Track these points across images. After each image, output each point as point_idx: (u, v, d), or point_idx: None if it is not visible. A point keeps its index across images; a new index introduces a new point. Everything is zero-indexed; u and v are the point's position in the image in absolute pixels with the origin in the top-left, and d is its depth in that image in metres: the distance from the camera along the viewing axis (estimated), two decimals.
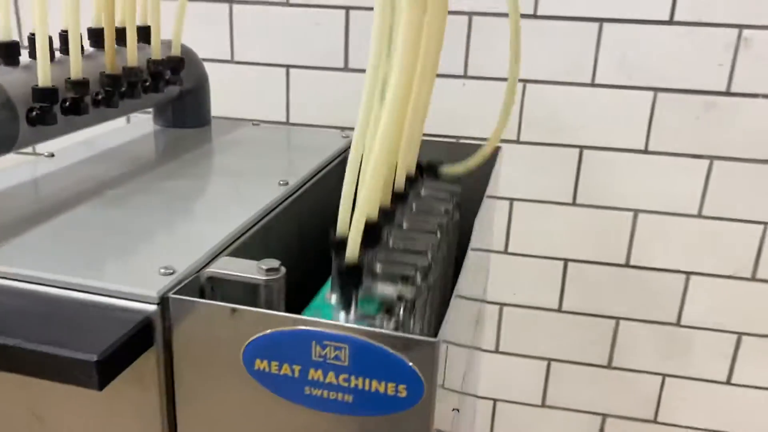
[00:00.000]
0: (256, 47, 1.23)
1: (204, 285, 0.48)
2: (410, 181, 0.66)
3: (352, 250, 0.48)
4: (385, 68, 0.49)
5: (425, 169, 0.75)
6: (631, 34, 1.10)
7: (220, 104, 1.26)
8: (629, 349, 1.28)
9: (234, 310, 0.43)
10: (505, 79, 1.18)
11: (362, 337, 0.41)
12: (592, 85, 1.14)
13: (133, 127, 0.84)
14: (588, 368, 1.31)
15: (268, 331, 0.43)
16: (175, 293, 0.45)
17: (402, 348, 0.41)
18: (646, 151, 1.16)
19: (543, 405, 1.36)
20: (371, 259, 0.54)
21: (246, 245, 0.56)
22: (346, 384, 0.42)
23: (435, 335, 0.41)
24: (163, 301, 0.45)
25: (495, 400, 1.38)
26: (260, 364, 0.44)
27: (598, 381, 1.31)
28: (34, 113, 0.56)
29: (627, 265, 1.23)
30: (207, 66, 1.25)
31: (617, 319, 1.27)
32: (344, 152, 0.80)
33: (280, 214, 0.61)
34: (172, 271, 0.47)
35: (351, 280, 0.49)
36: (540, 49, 1.13)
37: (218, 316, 0.44)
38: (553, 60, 1.13)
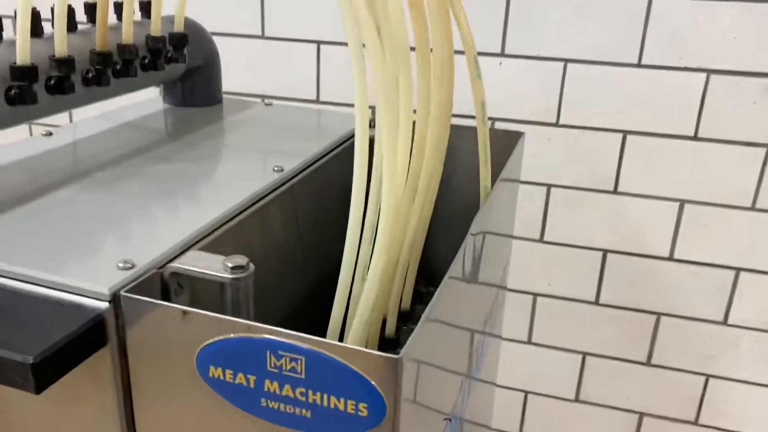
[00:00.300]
0: (286, 22, 1.19)
1: (168, 281, 0.45)
2: (403, 316, 0.61)
3: None
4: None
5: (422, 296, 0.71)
6: (684, 9, 1.01)
7: (248, 80, 1.24)
8: (670, 347, 1.21)
9: (185, 312, 0.40)
10: (547, 58, 1.12)
11: (319, 349, 0.37)
12: (639, 65, 1.06)
13: (142, 106, 0.82)
14: (625, 364, 1.25)
15: (221, 337, 0.39)
16: (130, 290, 0.42)
17: (363, 363, 0.37)
18: (695, 138, 1.08)
19: (576, 400, 1.31)
20: None
21: (226, 237, 0.52)
22: (303, 398, 0.39)
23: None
24: (116, 299, 0.42)
25: (526, 393, 1.33)
26: (214, 372, 0.40)
27: (636, 378, 1.25)
28: (13, 92, 0.54)
29: (671, 258, 1.15)
30: (237, 41, 1.22)
31: (658, 314, 1.20)
32: (353, 136, 0.76)
33: (270, 204, 0.58)
34: (130, 265, 0.44)
35: None
36: (582, 26, 1.06)
37: (171, 318, 0.40)
38: (596, 38, 1.06)
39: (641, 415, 1.28)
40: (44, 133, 0.69)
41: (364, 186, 0.46)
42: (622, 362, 1.25)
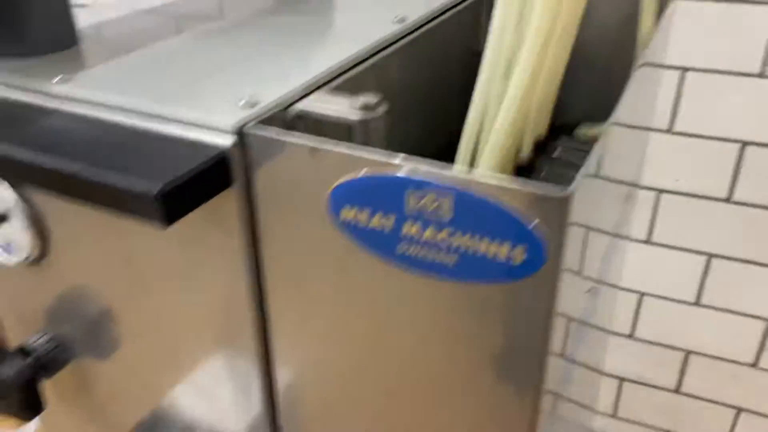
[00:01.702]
0: None
1: (293, 123, 0.41)
2: (539, 147, 0.55)
3: None
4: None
5: (559, 131, 0.64)
6: None
7: None
8: None
9: (314, 149, 0.36)
10: None
11: (470, 187, 0.33)
12: None
13: None
14: (756, 268, 1.16)
15: (354, 176, 0.35)
16: (254, 126, 0.38)
17: (521, 203, 0.32)
18: None
19: (697, 304, 1.23)
20: None
21: (346, 85, 0.48)
22: (447, 243, 0.34)
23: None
24: (241, 135, 0.38)
25: (642, 294, 1.26)
26: (348, 213, 0.36)
27: None
28: None
29: None
30: None
31: None
32: None
33: (389, 57, 0.52)
34: (254, 102, 0.40)
35: None
36: None
37: (298, 155, 0.37)
38: None
39: None
40: None
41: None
42: (753, 265, 1.15)
